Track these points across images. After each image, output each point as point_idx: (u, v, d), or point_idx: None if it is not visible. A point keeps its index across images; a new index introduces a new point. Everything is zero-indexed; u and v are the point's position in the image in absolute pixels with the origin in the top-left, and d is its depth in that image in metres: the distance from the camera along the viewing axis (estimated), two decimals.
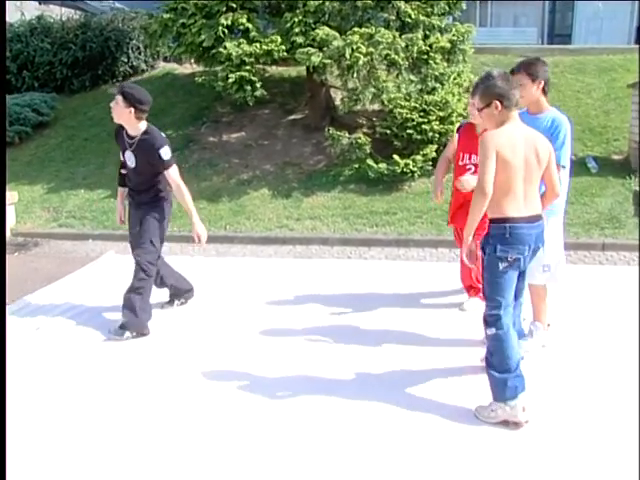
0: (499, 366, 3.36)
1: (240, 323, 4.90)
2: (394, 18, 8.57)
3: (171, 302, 5.31)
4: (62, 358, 4.34)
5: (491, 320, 3.40)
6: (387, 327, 4.73)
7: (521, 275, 3.57)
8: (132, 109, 4.58)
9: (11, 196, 8.11)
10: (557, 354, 4.20)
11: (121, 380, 4.00)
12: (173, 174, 4.73)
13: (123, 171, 5.03)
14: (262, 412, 3.55)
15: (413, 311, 5.04)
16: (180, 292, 5.31)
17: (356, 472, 2.99)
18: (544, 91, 4.01)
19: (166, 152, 4.66)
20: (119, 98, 4.60)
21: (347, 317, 4.98)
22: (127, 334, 4.64)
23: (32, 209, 8.48)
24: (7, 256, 7.03)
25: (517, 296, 3.64)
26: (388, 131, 8.64)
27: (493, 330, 3.39)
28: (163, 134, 4.79)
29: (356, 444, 3.22)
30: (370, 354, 4.27)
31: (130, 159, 4.80)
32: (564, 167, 3.88)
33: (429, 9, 8.74)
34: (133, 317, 4.67)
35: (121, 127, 4.80)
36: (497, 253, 3.33)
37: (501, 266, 3.36)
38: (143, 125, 4.72)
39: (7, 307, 5.23)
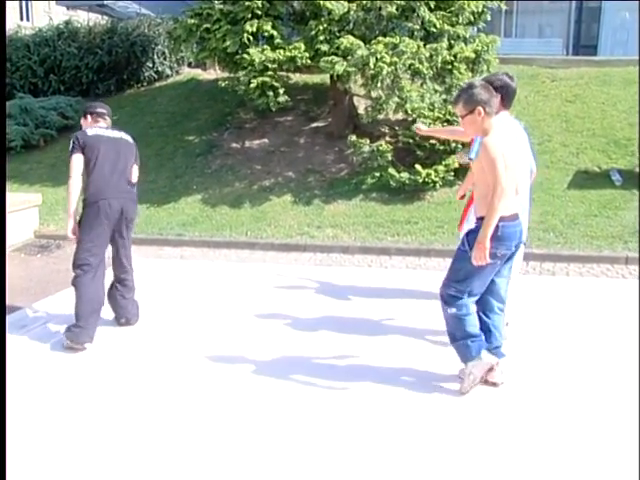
0: (460, 336, 3.68)
1: (256, 327, 4.90)
2: (418, 28, 8.56)
3: None
4: (83, 359, 4.38)
5: (451, 300, 3.68)
6: (407, 336, 4.70)
7: (499, 271, 3.80)
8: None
9: (35, 198, 8.20)
10: (570, 363, 4.16)
11: (134, 378, 4.02)
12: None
13: None
14: (269, 417, 3.56)
15: (433, 320, 5.00)
16: None
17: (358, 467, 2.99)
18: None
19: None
20: None
21: (366, 325, 4.95)
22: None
23: (55, 211, 8.55)
24: (30, 257, 7.13)
25: (494, 291, 3.87)
26: (411, 140, 8.63)
27: (453, 310, 3.67)
28: (82, 132, 4.90)
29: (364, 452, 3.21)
30: (387, 361, 4.24)
31: None
32: None
33: (454, 19, 8.72)
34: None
35: None
36: (489, 249, 3.52)
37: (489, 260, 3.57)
38: None
39: (29, 308, 5.33)
